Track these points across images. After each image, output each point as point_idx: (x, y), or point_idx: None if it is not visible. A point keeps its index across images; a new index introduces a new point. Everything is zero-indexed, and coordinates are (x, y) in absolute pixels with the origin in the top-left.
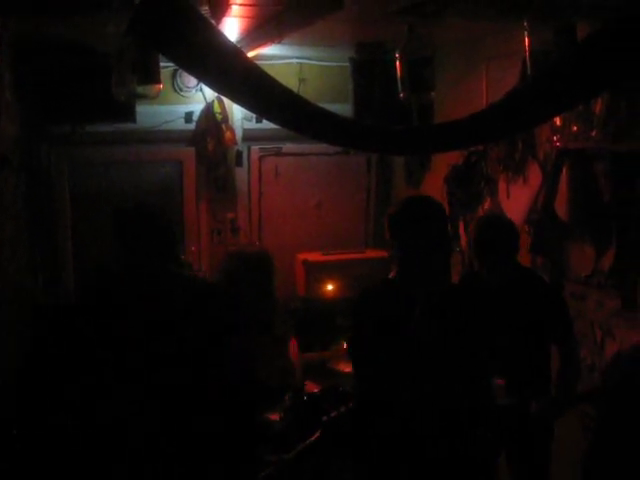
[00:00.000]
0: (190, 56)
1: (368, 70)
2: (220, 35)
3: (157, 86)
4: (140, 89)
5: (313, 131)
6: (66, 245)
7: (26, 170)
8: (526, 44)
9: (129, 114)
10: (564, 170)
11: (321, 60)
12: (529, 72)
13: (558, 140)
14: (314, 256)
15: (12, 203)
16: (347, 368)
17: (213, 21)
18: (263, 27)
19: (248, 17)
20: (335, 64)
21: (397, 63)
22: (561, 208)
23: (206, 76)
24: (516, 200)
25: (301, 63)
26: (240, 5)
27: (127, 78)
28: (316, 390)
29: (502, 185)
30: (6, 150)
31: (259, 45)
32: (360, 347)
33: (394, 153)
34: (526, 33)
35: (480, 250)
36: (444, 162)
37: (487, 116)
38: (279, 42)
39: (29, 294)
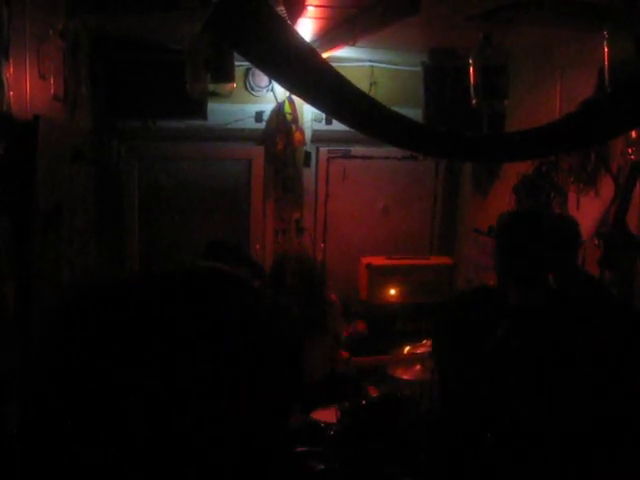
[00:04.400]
0: (265, 55)
1: (440, 75)
2: (296, 35)
3: (231, 84)
4: (214, 87)
5: (385, 134)
6: (133, 240)
7: (97, 164)
8: (605, 53)
9: (200, 111)
10: (638, 183)
11: (392, 64)
12: (607, 83)
13: (633, 153)
14: (378, 260)
15: (83, 196)
16: (406, 375)
17: (289, 21)
18: (337, 29)
19: (323, 18)
20: (406, 68)
21: (470, 70)
22: (633, 222)
23: (280, 75)
24: (586, 212)
25: (372, 66)
26: (316, 6)
27: (201, 76)
28: (375, 395)
29: (572, 196)
30: (80, 144)
31: (332, 47)
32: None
33: (466, 160)
34: (605, 42)
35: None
36: (513, 171)
37: (562, 126)
38: (353, 44)
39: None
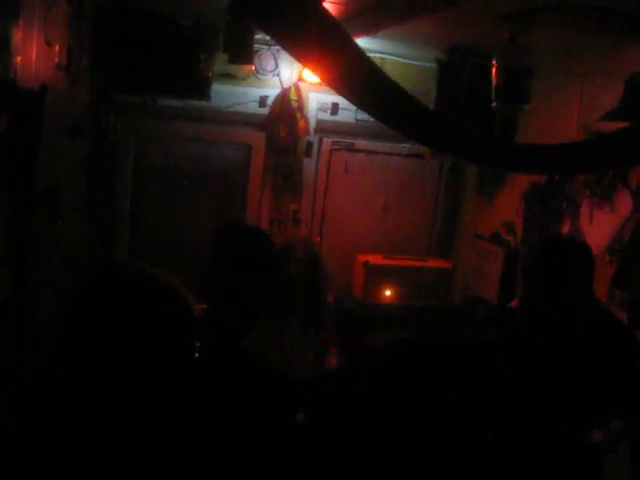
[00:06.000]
0: (292, 32)
1: (454, 73)
2: (326, 10)
3: (249, 66)
4: (229, 68)
5: (404, 124)
6: (124, 218)
7: (92, 138)
8: None
9: (204, 92)
10: None
11: (404, 57)
12: None
13: None
14: (375, 259)
15: (78, 172)
16: None
17: None
18: (357, 18)
19: (341, 4)
20: (418, 63)
21: (493, 70)
22: None
23: (307, 53)
24: (599, 227)
25: (383, 58)
26: None
27: (217, 55)
28: None
29: (585, 209)
30: (78, 117)
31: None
32: None
33: (494, 167)
34: None
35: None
36: (523, 177)
37: (602, 145)
38: (374, 35)
39: (86, 263)
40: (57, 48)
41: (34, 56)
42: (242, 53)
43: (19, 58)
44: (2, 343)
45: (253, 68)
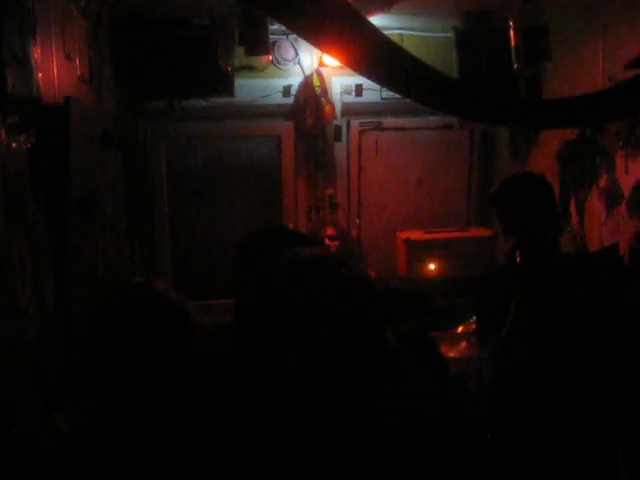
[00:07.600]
0: (304, 18)
1: (473, 40)
2: None
3: (266, 57)
4: (247, 61)
5: (429, 97)
6: (163, 223)
7: (123, 147)
8: None
9: (227, 88)
10: None
11: (422, 30)
12: None
13: None
14: (416, 234)
15: (112, 181)
16: (452, 352)
17: None
18: None
19: None
20: (437, 35)
21: (511, 32)
22: None
23: (320, 37)
24: (636, 177)
25: (402, 34)
26: None
27: (234, 49)
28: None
29: (620, 161)
30: (107, 127)
31: (366, 14)
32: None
33: (523, 126)
34: None
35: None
36: (555, 136)
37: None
38: (388, 11)
39: (128, 275)
40: (77, 61)
41: (55, 71)
42: (257, 44)
43: (40, 74)
44: (47, 353)
45: (270, 58)
